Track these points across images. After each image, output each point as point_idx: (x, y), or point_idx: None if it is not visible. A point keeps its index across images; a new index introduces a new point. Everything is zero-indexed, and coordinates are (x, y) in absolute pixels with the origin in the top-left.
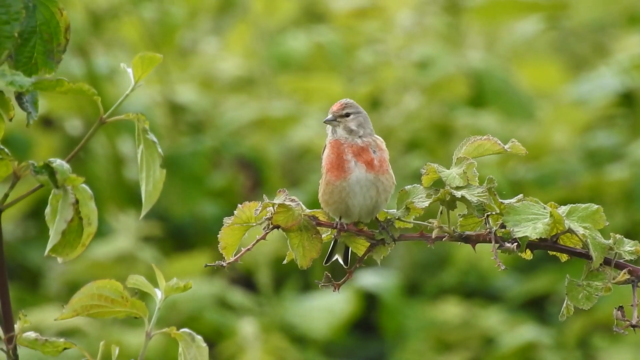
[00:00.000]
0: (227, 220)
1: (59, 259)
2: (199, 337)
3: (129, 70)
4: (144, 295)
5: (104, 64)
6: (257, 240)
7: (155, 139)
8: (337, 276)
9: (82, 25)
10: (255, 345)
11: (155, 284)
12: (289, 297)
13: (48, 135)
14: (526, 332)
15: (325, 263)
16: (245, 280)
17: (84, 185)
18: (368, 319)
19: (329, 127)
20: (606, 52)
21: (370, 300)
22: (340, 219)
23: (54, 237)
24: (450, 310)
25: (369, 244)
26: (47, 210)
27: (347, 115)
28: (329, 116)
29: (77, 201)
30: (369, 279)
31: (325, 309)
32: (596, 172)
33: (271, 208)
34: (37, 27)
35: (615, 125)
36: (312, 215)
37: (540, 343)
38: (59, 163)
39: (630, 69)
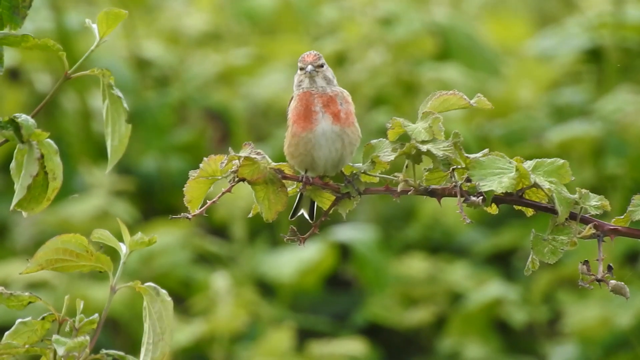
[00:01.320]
0: (192, 174)
1: (24, 213)
2: (163, 292)
3: (94, 26)
4: (113, 253)
5: (75, 20)
6: (223, 193)
7: (120, 94)
8: (306, 229)
9: None
10: (227, 299)
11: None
12: (262, 250)
13: (15, 89)
14: (492, 288)
15: (291, 217)
16: (221, 233)
17: (49, 140)
18: (339, 273)
19: (299, 79)
20: (574, 9)
21: (345, 255)
22: (305, 172)
23: (19, 191)
24: (416, 265)
25: (334, 197)
26: (12, 165)
27: (322, 65)
28: (309, 67)
29: (42, 156)
30: (345, 233)
31: (296, 259)
32: (562, 129)
33: (237, 161)
34: None
35: (582, 82)
36: (278, 169)
37: (506, 299)
38: (24, 118)
39: (598, 25)
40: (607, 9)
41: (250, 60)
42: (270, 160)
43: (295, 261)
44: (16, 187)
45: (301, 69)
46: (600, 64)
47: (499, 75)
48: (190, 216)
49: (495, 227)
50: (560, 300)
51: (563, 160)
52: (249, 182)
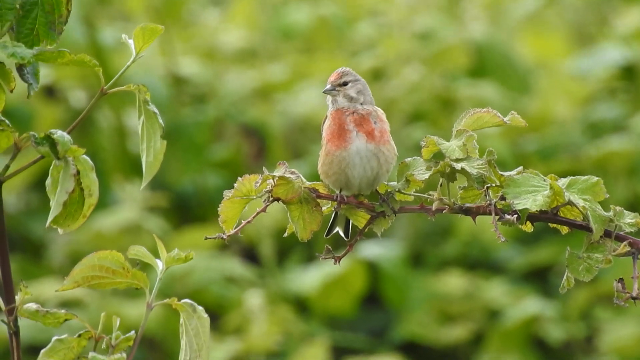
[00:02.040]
0: (227, 193)
1: (60, 230)
2: (200, 308)
3: (130, 41)
4: (147, 268)
5: (110, 35)
6: (258, 213)
7: (156, 110)
8: (341, 248)
9: None
10: (261, 316)
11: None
12: (291, 269)
13: (51, 106)
14: (530, 305)
15: (326, 236)
16: (249, 252)
17: (84, 156)
18: (374, 292)
19: (329, 98)
20: (609, 25)
21: (375, 272)
22: (340, 191)
23: (55, 208)
24: (453, 282)
25: (369, 216)
26: (48, 181)
27: (345, 83)
28: (328, 86)
29: (78, 172)
30: (372, 250)
31: (321, 273)
32: (599, 144)
33: (271, 180)
34: None
35: (617, 98)
36: (312, 188)
37: (544, 316)
38: (60, 134)
39: (632, 42)
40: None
41: (286, 76)
42: (304, 180)
43: (320, 275)
44: (52, 203)
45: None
46: (635, 81)
47: (532, 92)
48: (225, 236)
49: (532, 243)
50: (598, 317)
51: (597, 178)
52: (284, 202)
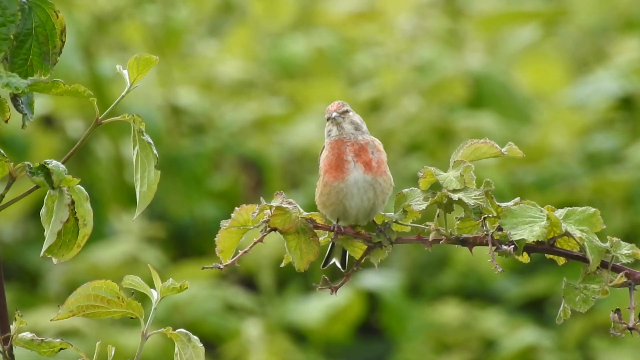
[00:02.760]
0: (224, 223)
1: (55, 260)
2: (195, 338)
3: (125, 72)
4: (144, 298)
5: (109, 66)
6: (255, 243)
7: (150, 140)
8: (338, 278)
9: (87, 28)
10: (259, 346)
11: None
12: (290, 298)
13: (49, 136)
14: (526, 334)
15: (323, 266)
16: (247, 282)
17: (79, 186)
18: (371, 321)
19: (327, 129)
20: (605, 56)
21: (374, 302)
22: (337, 221)
23: (49, 237)
24: (450, 312)
25: (366, 247)
26: (43, 211)
27: (348, 111)
28: (333, 114)
29: (72, 202)
30: (372, 280)
31: (323, 305)
32: (596, 175)
33: (268, 211)
34: (33, 29)
35: (614, 129)
36: (310, 218)
37: (540, 345)
38: (54, 164)
39: (629, 73)
40: (638, 55)
41: (284, 108)
42: (301, 210)
43: (322, 307)
44: (46, 233)
45: (327, 119)
46: (633, 111)
47: (531, 123)
48: (222, 266)
49: (529, 274)
50: (594, 347)
51: (594, 209)
52: (281, 232)
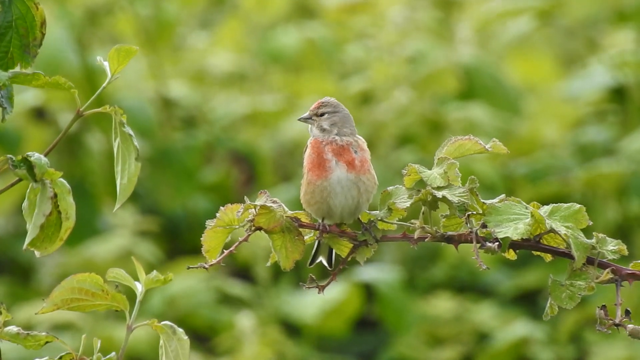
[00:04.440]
0: (209, 223)
1: (37, 253)
2: (180, 330)
3: (106, 63)
4: (134, 292)
5: (101, 58)
6: (239, 243)
7: (131, 132)
8: (329, 275)
9: (80, 21)
10: (252, 338)
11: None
12: (286, 290)
13: (40, 128)
14: (519, 327)
15: (310, 265)
16: (244, 273)
17: (62, 179)
18: (366, 314)
19: (309, 127)
20: (597, 48)
21: (369, 295)
22: (322, 220)
23: (32, 231)
24: (442, 305)
25: (352, 245)
26: (25, 204)
27: (322, 114)
28: (305, 114)
29: (55, 195)
30: (369, 273)
31: (320, 299)
32: (588, 167)
33: (253, 210)
34: (13, 22)
35: (606, 121)
36: (295, 217)
37: (533, 338)
38: (37, 157)
39: (621, 64)
40: (630, 47)
41: (276, 102)
42: (286, 209)
43: (319, 302)
44: (29, 226)
45: (300, 119)
46: (624, 103)
47: (522, 115)
48: (207, 266)
49: (521, 267)
50: (587, 340)
51: (579, 205)
52: (266, 231)
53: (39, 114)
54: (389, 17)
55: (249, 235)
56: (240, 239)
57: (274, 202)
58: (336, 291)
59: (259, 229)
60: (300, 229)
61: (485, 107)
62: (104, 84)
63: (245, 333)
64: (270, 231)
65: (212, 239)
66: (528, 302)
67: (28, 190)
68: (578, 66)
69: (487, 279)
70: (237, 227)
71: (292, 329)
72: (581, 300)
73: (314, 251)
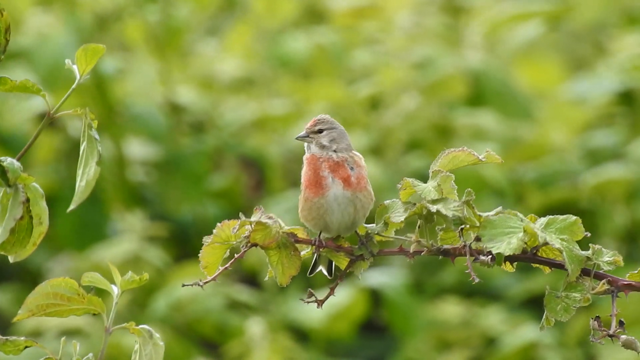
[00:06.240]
0: (206, 240)
1: (11, 258)
2: (157, 335)
3: (74, 66)
4: (147, 298)
5: (110, 65)
6: (235, 259)
7: (97, 136)
8: (334, 280)
9: (89, 27)
10: (262, 344)
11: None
12: (293, 296)
13: (49, 135)
14: (527, 331)
15: (309, 274)
16: (250, 280)
17: (35, 184)
18: (373, 319)
19: (305, 144)
20: (606, 52)
21: (376, 300)
22: (320, 234)
23: (2, 234)
24: (451, 310)
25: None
26: None
27: (320, 131)
28: (302, 132)
29: (27, 200)
30: (376, 278)
31: (327, 304)
32: (597, 171)
33: (249, 226)
34: None
35: (615, 125)
36: (291, 233)
37: (541, 342)
38: (9, 161)
39: (630, 68)
40: (638, 51)
41: (285, 105)
42: (282, 224)
43: (325, 306)
44: None
45: (296, 138)
46: (633, 107)
47: (532, 120)
48: (202, 283)
49: (530, 270)
50: (595, 344)
51: (575, 217)
52: (262, 247)
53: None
54: (397, 22)
55: (245, 251)
56: (236, 255)
57: (269, 218)
58: (343, 295)
59: (255, 245)
60: (297, 244)
61: (495, 112)
62: (74, 85)
63: (255, 339)
64: (266, 247)
65: (210, 255)
66: (537, 306)
67: (1, 194)
68: (586, 70)
69: (496, 283)
70: (234, 243)
71: (299, 334)
72: (590, 305)
73: (313, 261)
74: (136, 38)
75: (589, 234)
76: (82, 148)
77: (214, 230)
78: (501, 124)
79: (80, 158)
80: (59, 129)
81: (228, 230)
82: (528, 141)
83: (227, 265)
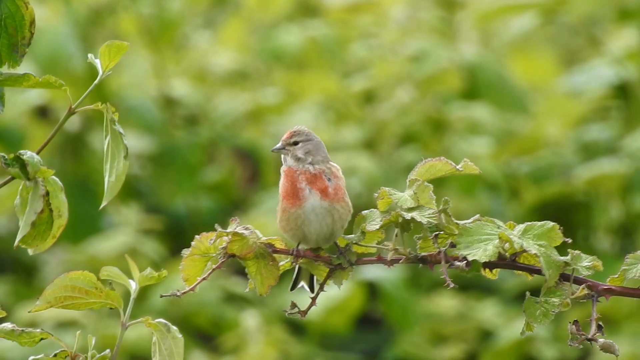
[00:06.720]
0: (185, 252)
1: (30, 251)
2: (174, 328)
3: (97, 61)
4: (145, 291)
5: (92, 56)
6: (212, 270)
7: (121, 130)
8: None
9: (84, 20)
10: (257, 337)
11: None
12: (288, 289)
13: (44, 127)
14: (522, 325)
15: (291, 290)
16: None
17: (54, 177)
18: (369, 312)
19: (282, 156)
20: (600, 45)
21: (372, 293)
22: (298, 245)
23: (23, 228)
24: (446, 303)
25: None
26: (17, 201)
27: (296, 143)
28: (278, 145)
29: (47, 193)
30: (372, 271)
31: (323, 297)
32: (591, 165)
33: (227, 237)
34: (2, 21)
35: (610, 118)
36: (268, 243)
37: (536, 336)
38: (29, 155)
39: (624, 60)
40: (633, 43)
41: (278, 99)
42: (259, 235)
43: (322, 299)
44: (20, 223)
45: (272, 150)
46: (627, 99)
47: (527, 113)
48: (179, 294)
49: None
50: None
51: (553, 223)
52: (240, 258)
53: (42, 113)
54: (391, 16)
55: (223, 262)
56: (213, 266)
57: (246, 228)
58: (339, 290)
59: (233, 255)
60: (275, 255)
61: (490, 106)
62: (96, 80)
63: (250, 332)
64: (244, 258)
65: (190, 268)
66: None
67: (20, 188)
68: (581, 63)
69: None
70: (213, 255)
71: (295, 327)
72: (586, 302)
73: (294, 276)
74: (130, 31)
75: (570, 240)
76: (105, 143)
77: (192, 243)
78: (496, 118)
79: (105, 153)
80: (52, 121)
81: (206, 242)
82: (523, 135)
83: (205, 276)
